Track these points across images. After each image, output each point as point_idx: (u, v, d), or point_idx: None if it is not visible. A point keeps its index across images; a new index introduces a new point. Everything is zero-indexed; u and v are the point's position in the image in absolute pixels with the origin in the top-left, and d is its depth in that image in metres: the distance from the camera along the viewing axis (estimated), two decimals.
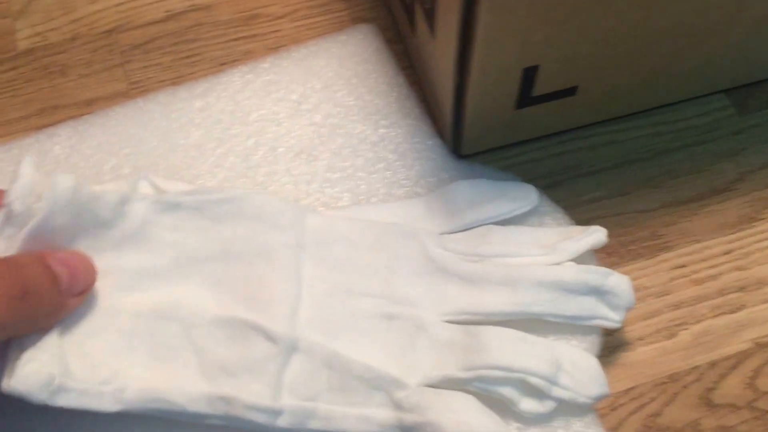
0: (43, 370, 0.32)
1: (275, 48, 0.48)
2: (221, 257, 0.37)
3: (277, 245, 0.37)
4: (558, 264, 0.37)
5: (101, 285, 0.36)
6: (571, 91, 0.40)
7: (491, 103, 0.39)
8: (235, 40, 0.49)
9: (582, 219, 0.41)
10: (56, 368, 0.33)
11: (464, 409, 0.33)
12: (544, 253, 0.37)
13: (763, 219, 0.41)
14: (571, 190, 0.42)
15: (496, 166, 0.42)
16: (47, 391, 0.32)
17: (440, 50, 0.39)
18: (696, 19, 0.38)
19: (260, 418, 0.33)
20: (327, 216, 0.39)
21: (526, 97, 0.39)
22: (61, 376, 0.33)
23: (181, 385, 0.34)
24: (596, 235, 0.37)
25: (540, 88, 0.39)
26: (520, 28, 0.35)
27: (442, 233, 0.39)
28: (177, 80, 0.47)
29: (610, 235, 0.38)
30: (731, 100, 0.44)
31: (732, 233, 0.41)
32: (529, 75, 0.38)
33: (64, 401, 0.33)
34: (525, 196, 0.40)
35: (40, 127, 0.45)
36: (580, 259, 0.37)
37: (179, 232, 0.37)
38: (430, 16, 0.39)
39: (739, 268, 0.40)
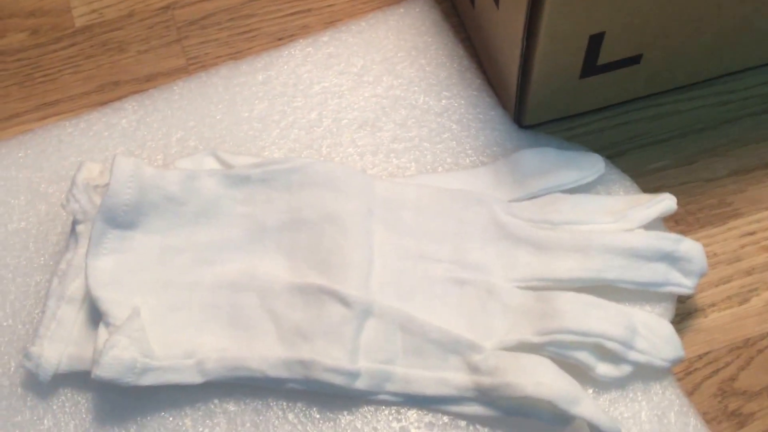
0: (124, 355, 0.33)
1: (331, 22, 0.48)
2: (292, 226, 0.37)
3: (347, 211, 0.37)
4: (628, 231, 0.37)
5: (180, 261, 0.37)
6: (635, 60, 0.40)
7: (556, 73, 0.39)
8: (291, 15, 0.49)
9: (648, 188, 0.41)
10: (137, 350, 0.33)
11: (542, 371, 0.33)
12: (614, 220, 0.37)
13: None
14: (635, 159, 0.42)
15: (559, 137, 0.42)
16: (132, 374, 0.33)
17: (505, 20, 0.39)
18: None
19: (338, 381, 0.34)
20: (395, 182, 0.39)
21: (590, 66, 0.39)
22: (143, 357, 0.34)
23: (261, 352, 0.35)
24: (666, 202, 0.37)
25: (605, 57, 0.39)
26: None
27: (510, 201, 0.39)
28: (235, 55, 0.47)
29: (677, 204, 0.37)
30: None
31: None
32: (595, 42, 0.38)
33: (150, 380, 0.34)
34: (592, 165, 0.39)
35: (102, 103, 0.46)
36: (648, 228, 0.37)
37: (250, 204, 0.38)
38: None
39: None
